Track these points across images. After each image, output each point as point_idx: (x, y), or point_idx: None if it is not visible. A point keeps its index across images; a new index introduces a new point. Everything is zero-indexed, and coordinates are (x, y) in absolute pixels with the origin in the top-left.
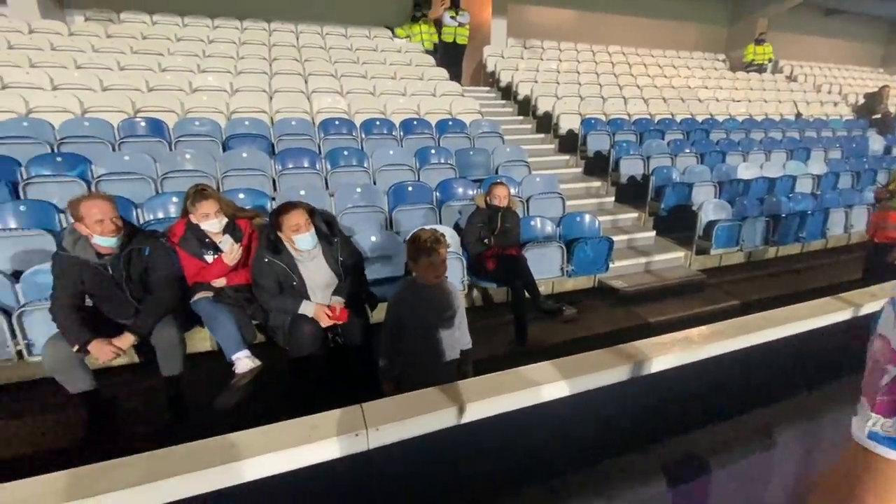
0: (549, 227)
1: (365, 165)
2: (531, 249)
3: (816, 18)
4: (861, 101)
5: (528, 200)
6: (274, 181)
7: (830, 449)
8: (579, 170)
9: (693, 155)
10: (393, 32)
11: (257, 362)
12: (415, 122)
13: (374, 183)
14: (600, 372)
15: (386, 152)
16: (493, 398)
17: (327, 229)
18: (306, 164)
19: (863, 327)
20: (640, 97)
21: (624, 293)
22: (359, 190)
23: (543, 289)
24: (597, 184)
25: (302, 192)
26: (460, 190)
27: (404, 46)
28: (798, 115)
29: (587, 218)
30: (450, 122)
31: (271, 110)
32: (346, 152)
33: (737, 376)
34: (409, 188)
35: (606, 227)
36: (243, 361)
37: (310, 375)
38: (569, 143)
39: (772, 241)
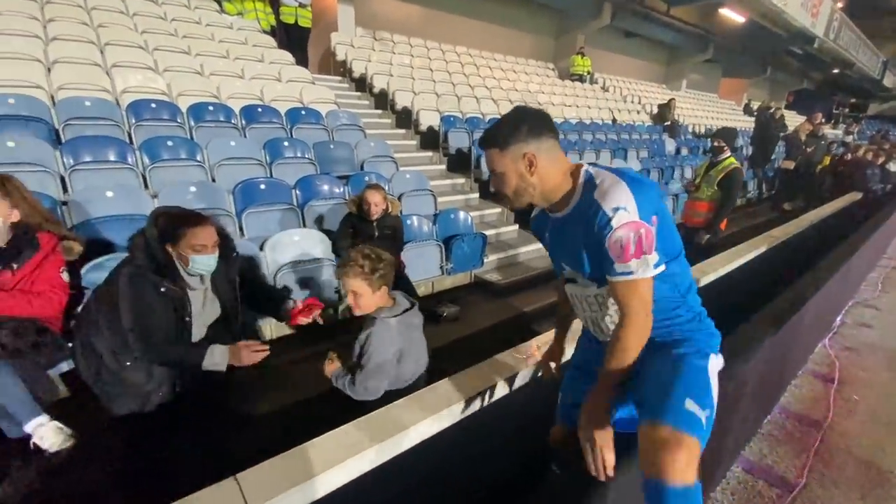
0: (427, 226)
1: (198, 159)
2: (411, 250)
3: (619, 39)
4: (655, 110)
5: (399, 198)
6: (63, 179)
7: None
8: (443, 167)
9: None
10: (220, 6)
11: (67, 432)
12: (259, 110)
13: (213, 180)
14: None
15: (226, 143)
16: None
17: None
18: (112, 157)
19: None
20: (490, 98)
21: (499, 286)
22: (193, 189)
23: (423, 289)
24: (461, 180)
25: (109, 194)
26: (325, 187)
27: (236, 23)
28: (613, 120)
29: (461, 215)
30: (303, 112)
31: (50, 86)
32: (169, 142)
33: None
34: (262, 186)
35: (475, 222)
36: (45, 432)
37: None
38: (430, 140)
39: None
